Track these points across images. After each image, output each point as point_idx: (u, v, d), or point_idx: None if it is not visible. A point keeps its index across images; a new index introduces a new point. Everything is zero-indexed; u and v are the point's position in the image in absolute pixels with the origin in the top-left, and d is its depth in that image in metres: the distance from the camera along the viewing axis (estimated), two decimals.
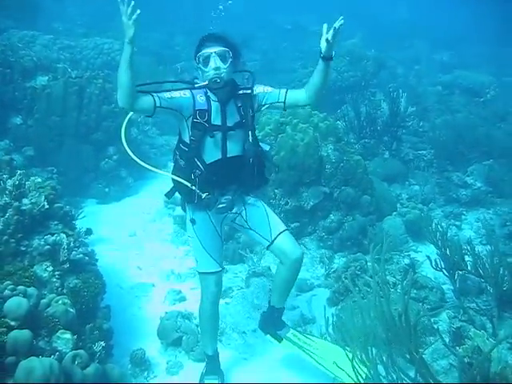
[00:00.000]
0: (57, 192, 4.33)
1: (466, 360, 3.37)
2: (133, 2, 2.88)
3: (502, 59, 13.97)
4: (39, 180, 4.25)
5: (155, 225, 6.83)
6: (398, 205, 6.86)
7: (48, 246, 3.85)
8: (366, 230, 5.87)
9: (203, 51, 3.22)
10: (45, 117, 7.10)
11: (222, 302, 4.66)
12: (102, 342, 3.62)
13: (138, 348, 4.17)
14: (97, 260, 4.41)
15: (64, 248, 3.86)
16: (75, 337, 3.31)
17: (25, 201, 3.98)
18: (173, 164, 3.57)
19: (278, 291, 3.87)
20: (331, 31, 3.08)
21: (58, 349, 3.17)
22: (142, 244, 6.29)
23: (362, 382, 3.09)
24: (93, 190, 7.40)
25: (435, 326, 4.14)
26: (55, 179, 6.39)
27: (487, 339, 3.56)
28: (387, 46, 15.04)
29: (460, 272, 4.59)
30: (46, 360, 2.93)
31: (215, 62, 3.19)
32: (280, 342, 3.90)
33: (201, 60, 3.23)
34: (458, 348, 3.53)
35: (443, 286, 4.83)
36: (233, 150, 3.39)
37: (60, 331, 3.26)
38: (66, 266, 3.88)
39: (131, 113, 3.46)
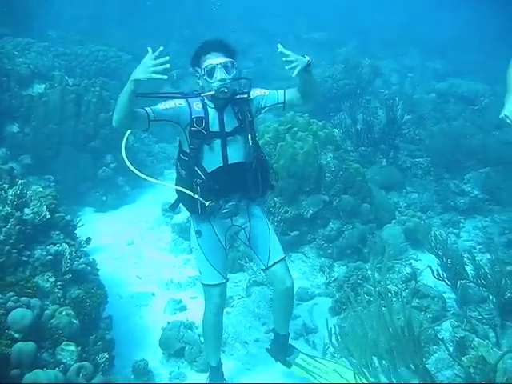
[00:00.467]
0: (58, 201, 4.29)
1: (471, 370, 3.38)
2: (168, 57, 2.85)
3: (495, 67, 14.04)
4: (40, 189, 4.22)
5: (153, 233, 6.81)
6: (397, 213, 6.87)
7: (50, 257, 3.82)
8: (366, 239, 5.87)
9: (208, 62, 3.18)
10: (42, 125, 7.08)
11: None
12: (106, 354, 3.60)
13: (140, 359, 4.14)
14: (98, 270, 4.38)
15: (66, 258, 3.83)
16: (79, 348, 3.27)
17: (26, 210, 3.95)
18: (175, 174, 3.55)
19: (279, 318, 3.91)
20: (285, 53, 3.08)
21: (63, 361, 3.14)
22: (141, 253, 6.26)
23: None
24: (90, 199, 7.38)
25: (439, 336, 4.12)
26: (52, 187, 6.34)
27: (491, 349, 3.56)
28: (380, 53, 15.14)
29: (461, 281, 4.59)
30: (51, 372, 2.90)
31: (220, 73, 3.16)
32: (290, 368, 3.91)
33: (205, 71, 3.19)
34: (463, 358, 3.51)
35: (443, 295, 4.84)
36: (234, 156, 3.35)
37: (64, 343, 3.23)
38: (69, 276, 3.85)
39: (126, 135, 3.55)
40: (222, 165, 3.33)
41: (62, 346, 3.21)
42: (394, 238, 5.95)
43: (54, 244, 3.94)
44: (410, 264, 5.46)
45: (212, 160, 3.32)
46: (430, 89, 12.39)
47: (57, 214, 4.17)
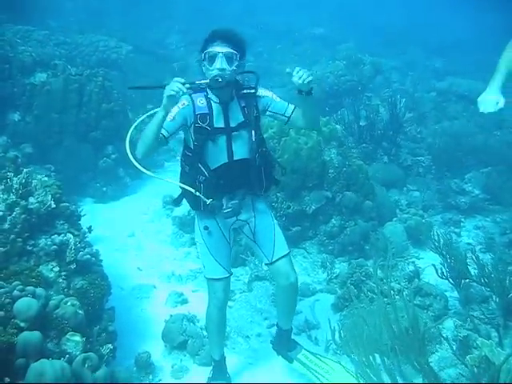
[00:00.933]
0: (62, 191, 4.26)
1: (475, 370, 3.39)
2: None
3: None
4: (45, 178, 4.19)
5: (153, 225, 6.78)
6: (398, 211, 6.88)
7: (55, 246, 3.79)
8: (368, 236, 5.88)
9: (211, 48, 3.09)
10: (44, 114, 7.04)
11: None
12: (110, 345, 3.58)
13: (143, 351, 4.12)
14: (101, 261, 4.35)
15: (71, 248, 3.81)
16: (84, 339, 3.25)
17: (31, 199, 3.91)
18: (179, 169, 3.51)
19: (282, 313, 3.91)
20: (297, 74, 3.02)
21: (68, 351, 3.11)
22: (141, 245, 6.24)
23: None
24: (90, 189, 7.35)
25: (444, 335, 4.13)
26: (53, 177, 6.30)
27: (495, 349, 3.57)
28: (381, 51, 15.10)
29: (464, 280, 4.60)
30: (57, 362, 2.87)
31: (221, 62, 3.06)
32: (291, 363, 3.91)
33: (207, 57, 3.09)
34: (467, 357, 3.51)
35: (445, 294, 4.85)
36: (239, 152, 3.30)
37: (69, 333, 3.20)
38: (73, 266, 3.82)
39: (135, 124, 3.54)
40: (226, 161, 3.28)
41: (67, 336, 3.18)
42: (395, 236, 5.96)
43: (59, 234, 3.91)
44: (413, 262, 5.47)
45: (217, 156, 3.27)
46: (431, 87, 12.39)
47: (61, 204, 4.14)
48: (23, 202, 3.80)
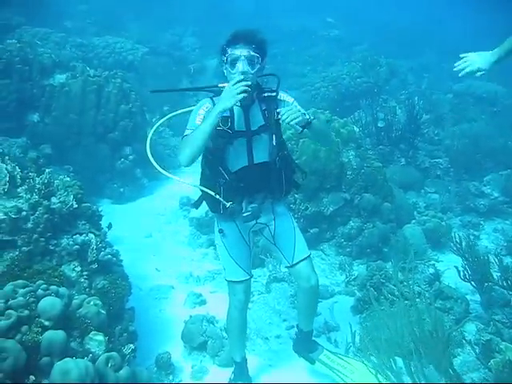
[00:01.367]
0: (84, 191, 4.29)
1: (499, 374, 3.35)
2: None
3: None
4: (67, 179, 4.21)
5: (171, 226, 6.80)
6: (415, 213, 6.83)
7: (77, 246, 3.81)
8: (387, 238, 5.84)
9: (233, 51, 3.06)
10: (62, 115, 7.08)
11: None
12: (132, 345, 3.58)
13: (163, 351, 4.13)
14: (121, 261, 4.37)
15: (93, 248, 3.82)
16: (107, 339, 3.26)
17: (53, 199, 3.94)
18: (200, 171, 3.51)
19: (303, 315, 3.88)
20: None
21: (91, 350, 3.11)
22: (159, 246, 6.26)
23: None
24: (108, 190, 7.39)
25: (467, 339, 4.09)
26: (71, 178, 6.34)
27: None
28: (395, 53, 15.03)
29: (487, 284, 4.55)
30: (81, 362, 2.87)
31: (243, 65, 3.04)
32: (313, 364, 3.89)
33: (229, 60, 3.08)
34: (491, 362, 3.48)
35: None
36: (259, 156, 3.26)
37: (92, 333, 3.21)
38: (94, 266, 3.84)
39: (155, 126, 3.51)
40: (247, 164, 3.25)
41: (90, 335, 3.19)
42: (414, 238, 5.92)
43: (81, 234, 3.93)
44: (433, 265, 5.43)
45: (237, 159, 3.25)
46: (447, 89, 12.32)
47: (83, 204, 4.16)
48: (46, 202, 3.82)
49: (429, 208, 7.01)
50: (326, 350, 3.95)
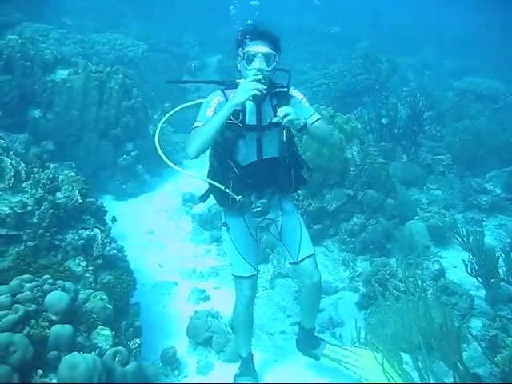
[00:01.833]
0: (88, 186, 4.27)
1: (506, 370, 3.35)
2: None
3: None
4: (72, 174, 4.20)
5: (173, 222, 6.79)
6: (418, 209, 6.82)
7: (82, 241, 3.80)
8: (390, 234, 5.84)
9: (250, 48, 3.06)
10: (65, 111, 7.05)
11: None
12: (138, 340, 3.58)
13: (168, 346, 4.12)
14: (126, 256, 4.36)
15: (98, 243, 3.82)
16: (113, 333, 3.25)
17: (58, 194, 3.93)
18: (208, 165, 3.49)
19: (305, 312, 3.89)
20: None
21: (99, 345, 3.11)
22: (161, 242, 6.24)
23: None
24: (110, 186, 7.36)
25: (473, 334, 4.09)
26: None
27: None
28: (395, 50, 15.02)
29: (493, 279, 4.55)
30: (89, 356, 2.87)
31: (260, 62, 3.04)
32: (318, 360, 3.88)
33: (245, 56, 3.08)
34: (497, 357, 3.48)
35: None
36: (269, 151, 3.26)
37: (99, 327, 3.21)
38: (100, 261, 3.83)
39: (162, 121, 3.46)
40: (256, 159, 3.24)
41: (97, 330, 3.19)
42: (417, 234, 5.91)
43: (86, 229, 3.92)
44: (438, 261, 5.42)
45: (246, 154, 3.24)
46: (448, 86, 12.32)
47: (88, 199, 4.16)
48: (51, 197, 3.81)
49: (432, 204, 7.00)
50: (329, 343, 3.94)
